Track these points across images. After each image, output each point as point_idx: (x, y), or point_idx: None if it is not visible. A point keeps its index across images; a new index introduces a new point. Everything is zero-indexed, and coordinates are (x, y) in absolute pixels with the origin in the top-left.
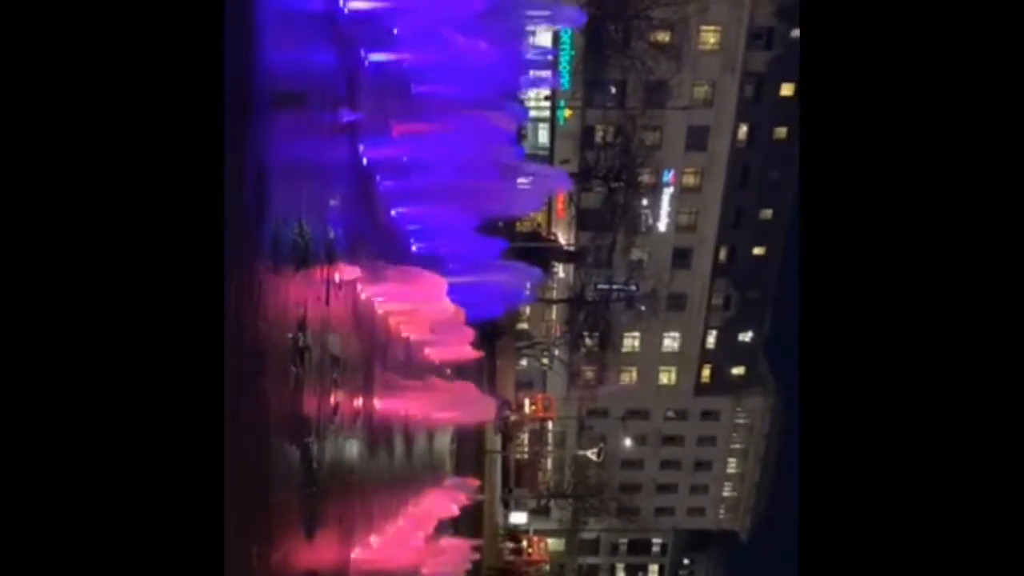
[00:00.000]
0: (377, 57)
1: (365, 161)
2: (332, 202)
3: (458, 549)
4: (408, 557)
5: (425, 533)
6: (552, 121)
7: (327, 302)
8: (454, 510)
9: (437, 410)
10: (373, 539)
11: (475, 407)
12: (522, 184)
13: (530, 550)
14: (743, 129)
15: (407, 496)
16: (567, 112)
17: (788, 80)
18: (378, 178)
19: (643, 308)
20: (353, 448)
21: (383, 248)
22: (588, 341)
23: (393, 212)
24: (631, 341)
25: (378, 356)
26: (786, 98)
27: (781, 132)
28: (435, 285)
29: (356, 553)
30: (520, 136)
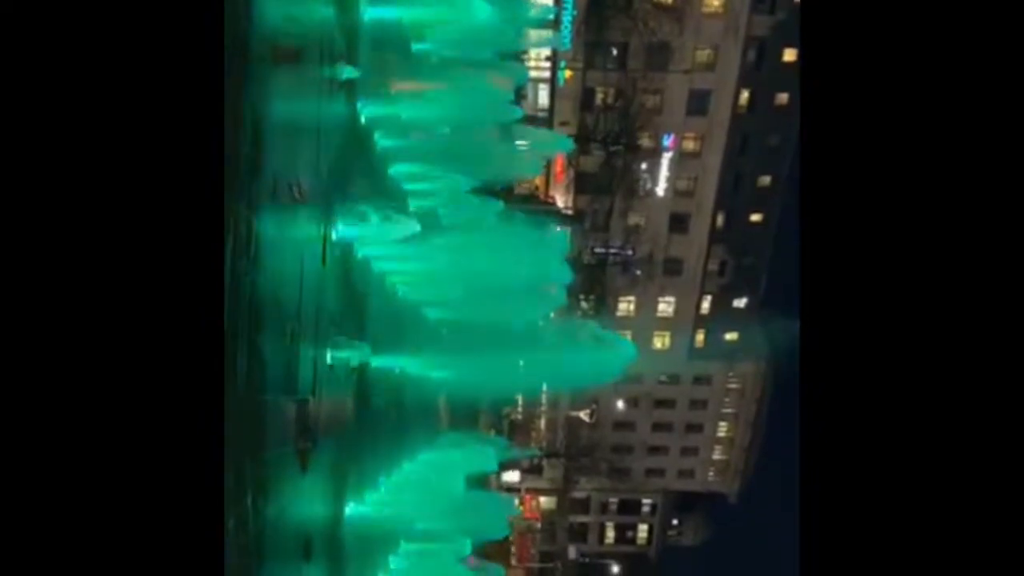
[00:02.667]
0: (376, 13)
1: (363, 119)
2: (330, 159)
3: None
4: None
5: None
6: (552, 82)
7: (324, 261)
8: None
9: (433, 369)
10: (368, 494)
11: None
12: (521, 146)
13: (522, 507)
14: (744, 95)
15: (409, 450)
16: (567, 73)
17: (791, 46)
18: (376, 136)
19: (639, 273)
20: (350, 403)
21: (381, 207)
22: (584, 304)
23: (391, 171)
24: (626, 305)
25: (374, 313)
26: (788, 64)
27: (782, 98)
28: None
29: (350, 508)
30: (519, 97)
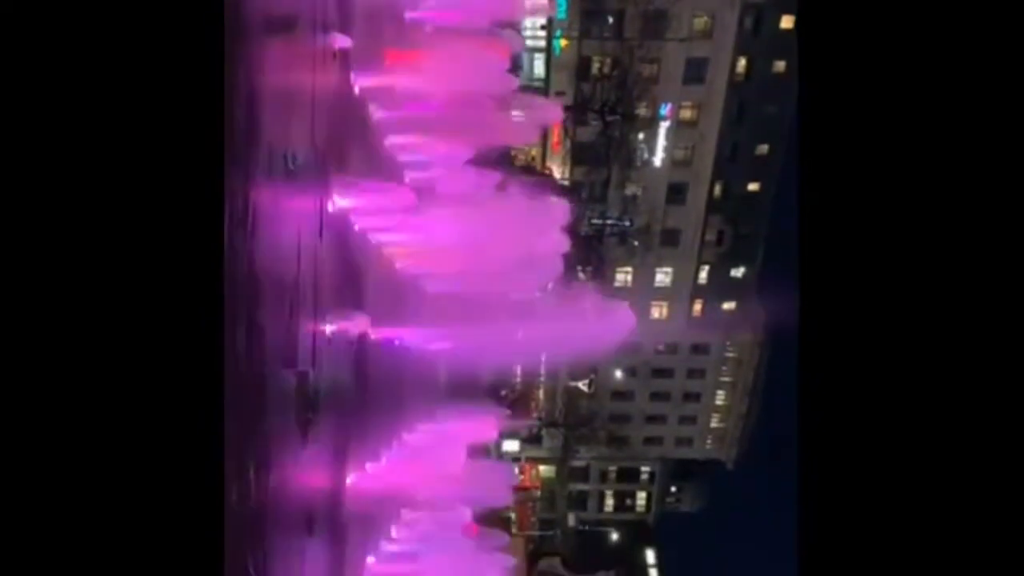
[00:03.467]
0: None
1: (357, 90)
2: (325, 130)
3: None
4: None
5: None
6: (548, 51)
7: (320, 234)
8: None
9: (431, 343)
10: (369, 465)
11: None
12: (516, 115)
13: (522, 476)
14: (741, 62)
15: (409, 423)
16: (563, 42)
17: (789, 12)
18: (371, 108)
19: (636, 243)
20: (349, 375)
21: (377, 179)
22: (581, 275)
23: (387, 142)
24: (623, 276)
25: (372, 286)
26: (786, 31)
27: (780, 66)
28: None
29: (351, 479)
30: (515, 66)
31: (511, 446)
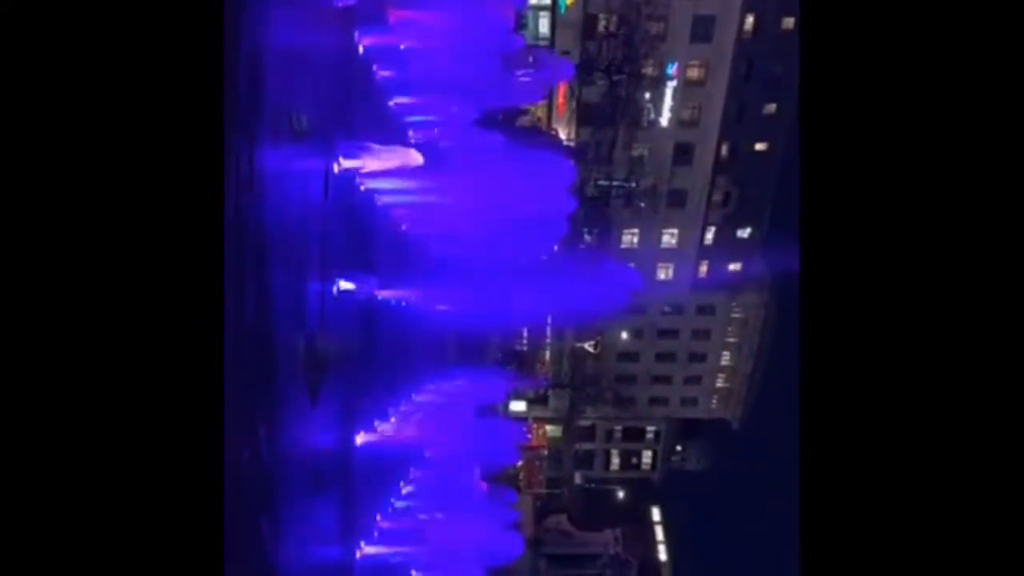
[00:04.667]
0: None
1: (361, 49)
2: (329, 91)
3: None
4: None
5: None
6: (553, 9)
7: (325, 194)
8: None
9: (438, 302)
10: (378, 424)
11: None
12: (523, 74)
13: (530, 436)
14: (749, 20)
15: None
16: (568, 0)
17: None
18: (375, 68)
19: (643, 205)
20: (357, 335)
21: (382, 139)
22: (587, 237)
23: (392, 103)
24: (630, 237)
25: (378, 247)
26: None
27: (788, 23)
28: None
29: (361, 437)
30: (519, 25)
31: (518, 406)
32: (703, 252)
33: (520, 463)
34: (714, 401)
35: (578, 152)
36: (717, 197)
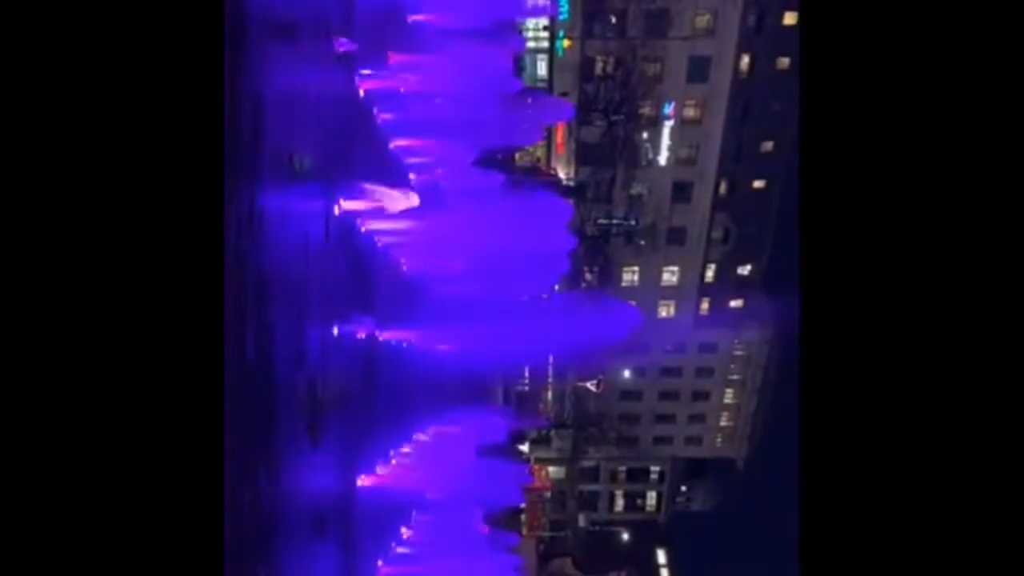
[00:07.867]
0: None
1: (362, 92)
2: (330, 133)
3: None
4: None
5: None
6: (551, 52)
7: (327, 235)
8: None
9: (439, 342)
10: (379, 467)
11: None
12: (521, 115)
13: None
14: (745, 60)
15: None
16: (566, 43)
17: (791, 8)
18: (376, 110)
19: (642, 243)
20: (358, 377)
21: (383, 181)
22: (588, 276)
23: (392, 145)
24: (630, 275)
25: (379, 288)
26: (789, 27)
27: (784, 62)
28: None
29: (362, 480)
30: (518, 68)
31: (520, 447)
32: (704, 289)
33: (524, 504)
34: (718, 439)
35: (578, 190)
36: (717, 234)
